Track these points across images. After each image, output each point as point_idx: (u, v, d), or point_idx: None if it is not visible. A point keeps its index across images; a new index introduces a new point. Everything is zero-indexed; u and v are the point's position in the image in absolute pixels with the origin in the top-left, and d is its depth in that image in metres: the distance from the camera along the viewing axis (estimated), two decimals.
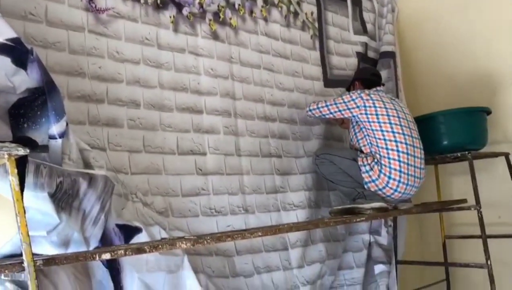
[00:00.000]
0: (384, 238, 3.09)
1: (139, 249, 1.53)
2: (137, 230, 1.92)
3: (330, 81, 3.23)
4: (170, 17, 2.41)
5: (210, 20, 2.58)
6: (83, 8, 2.12)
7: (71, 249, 1.62)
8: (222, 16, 2.63)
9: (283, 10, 2.98)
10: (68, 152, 1.76)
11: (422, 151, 2.63)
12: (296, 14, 3.06)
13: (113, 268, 1.88)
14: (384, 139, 2.51)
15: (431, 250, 3.60)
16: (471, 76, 3.46)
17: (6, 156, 1.27)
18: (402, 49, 3.78)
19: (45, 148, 1.52)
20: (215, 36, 2.61)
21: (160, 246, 1.59)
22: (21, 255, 1.48)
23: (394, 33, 3.64)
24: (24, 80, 1.65)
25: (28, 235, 1.28)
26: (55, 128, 1.67)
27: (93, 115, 2.08)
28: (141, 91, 2.27)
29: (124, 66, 2.22)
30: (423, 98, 3.73)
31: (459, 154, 2.86)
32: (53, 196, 1.53)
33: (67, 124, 1.73)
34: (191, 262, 2.09)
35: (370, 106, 2.58)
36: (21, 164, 1.39)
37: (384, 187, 2.49)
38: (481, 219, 2.71)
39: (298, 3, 3.08)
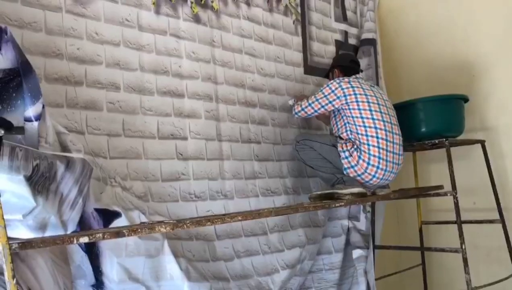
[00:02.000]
0: (362, 224, 3.14)
1: (118, 233, 1.51)
2: (116, 215, 1.90)
3: (310, 68, 3.23)
4: None
5: (192, 2, 2.54)
6: None
7: (48, 233, 1.59)
8: None
9: None
10: (45, 135, 1.72)
11: (401, 138, 2.66)
12: None
13: (92, 252, 1.87)
14: (364, 126, 2.53)
15: (407, 236, 3.67)
16: (450, 63, 3.51)
17: None
18: (383, 36, 3.80)
19: (21, 129, 1.49)
20: (197, 19, 2.58)
21: (139, 230, 1.58)
22: None
23: (375, 20, 3.65)
24: None
25: (3, 218, 1.26)
26: (31, 111, 1.63)
27: (71, 97, 2.04)
28: (121, 74, 2.23)
29: (104, 48, 2.18)
30: (404, 85, 3.77)
31: (436, 141, 2.91)
32: (29, 179, 1.50)
33: (43, 107, 1.69)
34: (171, 246, 2.09)
35: (350, 94, 2.59)
36: None
37: (363, 173, 2.52)
38: (457, 204, 2.76)
39: None
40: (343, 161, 2.54)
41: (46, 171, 1.56)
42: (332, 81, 2.70)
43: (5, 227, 1.25)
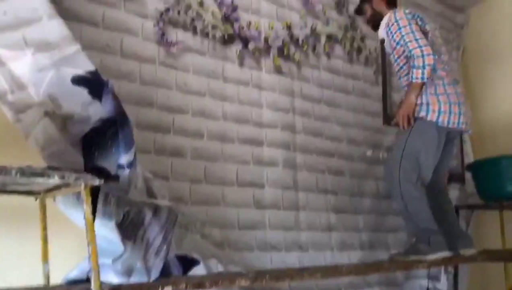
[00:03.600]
0: (443, 285, 2.94)
1: (200, 284, 1.52)
2: (195, 262, 1.92)
3: (390, 118, 3.15)
4: (236, 51, 2.46)
5: (274, 55, 2.60)
6: (156, 41, 2.20)
7: (133, 279, 1.63)
8: (286, 51, 2.65)
9: (346, 46, 2.97)
10: (135, 181, 1.79)
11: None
12: (359, 50, 3.04)
13: None
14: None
15: None
16: None
17: (82, 185, 1.31)
18: (467, 89, 3.65)
19: (117, 178, 1.56)
20: (278, 71, 2.64)
21: (220, 282, 1.57)
22: (85, 280, 1.52)
23: (459, 71, 3.54)
24: (98, 111, 1.71)
25: (98, 263, 1.31)
26: (124, 158, 1.71)
27: (159, 145, 2.14)
28: (205, 123, 2.31)
29: (191, 98, 2.28)
30: (489, 142, 3.55)
31: None
32: (120, 225, 1.56)
33: (135, 155, 1.78)
34: None
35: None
36: (93, 193, 1.43)
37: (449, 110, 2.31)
38: None
39: (362, 39, 3.06)
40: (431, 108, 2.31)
41: (135, 217, 1.62)
42: (392, 14, 2.36)
43: (98, 272, 1.30)
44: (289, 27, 2.68)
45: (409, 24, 2.29)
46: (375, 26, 2.57)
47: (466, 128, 2.43)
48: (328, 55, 2.89)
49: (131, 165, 1.73)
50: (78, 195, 1.50)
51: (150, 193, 1.88)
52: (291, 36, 2.70)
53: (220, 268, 1.99)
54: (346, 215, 2.80)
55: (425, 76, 2.24)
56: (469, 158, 3.43)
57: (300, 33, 2.73)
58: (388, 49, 2.53)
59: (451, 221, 2.63)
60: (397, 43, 2.36)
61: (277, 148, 2.58)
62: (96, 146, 1.73)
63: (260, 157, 2.50)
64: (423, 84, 2.29)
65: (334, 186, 2.79)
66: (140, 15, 2.17)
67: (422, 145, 2.35)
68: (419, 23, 2.37)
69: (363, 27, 3.05)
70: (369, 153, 2.97)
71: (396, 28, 2.33)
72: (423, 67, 2.23)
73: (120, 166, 1.71)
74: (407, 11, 2.39)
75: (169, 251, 1.78)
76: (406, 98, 2.34)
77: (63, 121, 1.68)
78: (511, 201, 2.82)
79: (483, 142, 3.53)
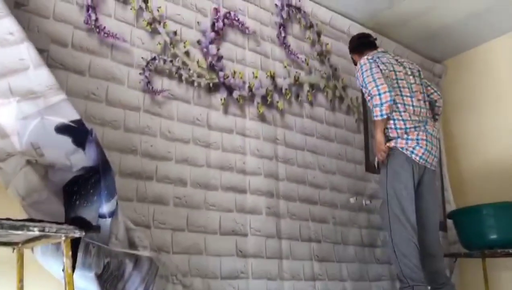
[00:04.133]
0: None
1: None
2: None
3: (372, 166, 3.20)
4: (221, 99, 2.49)
5: (258, 103, 2.65)
6: (141, 89, 2.23)
7: None
8: (269, 99, 2.70)
9: (329, 95, 3.04)
10: (116, 231, 1.76)
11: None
12: (341, 98, 3.11)
13: None
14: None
15: None
16: None
17: (63, 237, 1.28)
18: (446, 138, 3.73)
19: (98, 229, 1.54)
20: (262, 118, 2.67)
21: None
22: None
23: (439, 121, 3.63)
24: (81, 159, 1.71)
25: None
26: (106, 207, 1.69)
27: (141, 192, 2.12)
28: (189, 170, 2.30)
29: (175, 145, 2.28)
30: (470, 191, 3.58)
31: (510, 251, 2.71)
32: (99, 277, 1.52)
33: (117, 204, 1.76)
34: None
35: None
36: (74, 244, 1.40)
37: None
38: None
39: (344, 88, 3.14)
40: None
41: (116, 269, 1.59)
42: (358, 62, 2.56)
43: None
44: (273, 77, 2.75)
45: (370, 68, 2.45)
46: None
47: (425, 164, 2.47)
48: (311, 103, 2.95)
49: (112, 214, 1.70)
50: (58, 245, 1.47)
51: (132, 243, 1.85)
52: (275, 85, 2.76)
53: None
54: (330, 263, 2.77)
55: (384, 112, 2.38)
56: (451, 206, 3.46)
57: (284, 82, 2.80)
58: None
59: (437, 267, 2.64)
60: (361, 86, 2.52)
61: (260, 196, 2.57)
62: (77, 194, 1.72)
63: (243, 205, 2.48)
64: (383, 120, 2.42)
65: (317, 234, 2.77)
66: (126, 64, 2.20)
67: (400, 182, 2.42)
68: (381, 66, 2.49)
69: (345, 77, 3.15)
70: (352, 200, 2.98)
71: (360, 73, 2.49)
72: (381, 104, 2.36)
73: (102, 215, 1.69)
74: (369, 57, 2.54)
75: None
76: (375, 138, 2.51)
77: (45, 169, 1.67)
78: (493, 250, 2.83)
79: (464, 191, 3.57)
